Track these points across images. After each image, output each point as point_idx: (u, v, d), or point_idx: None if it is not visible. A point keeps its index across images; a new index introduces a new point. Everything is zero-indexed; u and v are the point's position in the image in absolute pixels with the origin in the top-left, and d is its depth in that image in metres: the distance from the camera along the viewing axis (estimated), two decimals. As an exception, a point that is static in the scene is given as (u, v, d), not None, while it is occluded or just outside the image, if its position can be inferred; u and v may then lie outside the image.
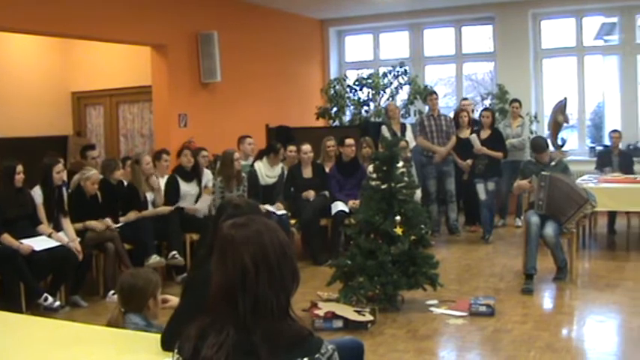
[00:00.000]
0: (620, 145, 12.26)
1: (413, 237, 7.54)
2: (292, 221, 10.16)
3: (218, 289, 2.39)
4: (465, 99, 13.78)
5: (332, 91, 14.92)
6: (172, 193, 9.62)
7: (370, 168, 8.50)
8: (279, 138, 12.23)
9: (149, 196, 9.48)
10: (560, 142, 13.43)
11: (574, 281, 8.63)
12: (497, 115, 13.04)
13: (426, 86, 14.83)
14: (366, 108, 14.76)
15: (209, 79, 12.52)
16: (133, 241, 8.85)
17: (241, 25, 13.47)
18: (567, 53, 14.83)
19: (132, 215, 9.06)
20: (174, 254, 9.00)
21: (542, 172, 8.59)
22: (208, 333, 2.36)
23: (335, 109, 14.83)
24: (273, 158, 10.60)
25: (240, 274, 2.34)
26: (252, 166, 10.68)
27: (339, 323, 6.87)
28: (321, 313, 6.96)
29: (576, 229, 8.77)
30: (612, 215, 11.69)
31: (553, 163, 9.08)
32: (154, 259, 8.74)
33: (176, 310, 3.91)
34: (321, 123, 14.84)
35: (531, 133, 12.96)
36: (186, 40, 12.25)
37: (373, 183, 7.82)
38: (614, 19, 14.89)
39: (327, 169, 10.89)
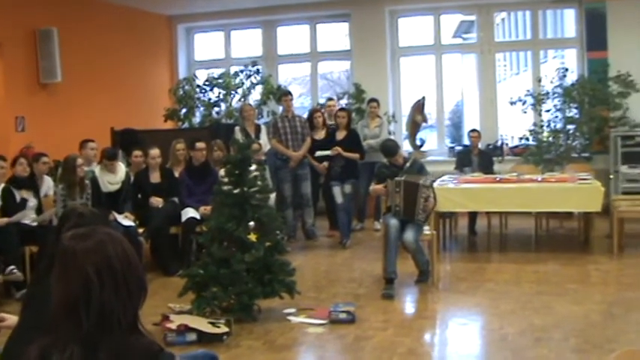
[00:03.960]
0: (480, 145, 12.61)
1: (268, 243, 7.56)
2: (140, 230, 10.00)
3: (60, 305, 2.34)
4: (331, 99, 13.92)
5: (181, 92, 14.84)
6: (9, 204, 9.34)
7: (222, 172, 8.48)
8: (125, 142, 12.04)
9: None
10: (418, 143, 13.77)
11: (435, 284, 8.81)
12: (354, 115, 13.23)
13: (279, 86, 14.96)
14: (217, 109, 14.74)
15: (48, 80, 12.25)
16: (-33, 257, 8.57)
17: (84, 22, 13.23)
18: (425, 51, 15.21)
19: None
20: (12, 269, 8.72)
21: (396, 178, 8.69)
22: (51, 353, 2.31)
23: (184, 110, 14.76)
24: (108, 165, 10.37)
25: (82, 287, 2.30)
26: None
27: (192, 336, 6.80)
28: (173, 326, 6.89)
29: (426, 219, 8.82)
30: (473, 216, 12.02)
31: (408, 165, 9.21)
32: (-10, 275, 8.51)
33: (15, 329, 3.82)
34: (169, 125, 14.70)
35: (390, 133, 13.21)
36: (23, 36, 11.94)
37: (225, 188, 7.80)
38: (472, 18, 15.38)
39: (176, 174, 10.78)
